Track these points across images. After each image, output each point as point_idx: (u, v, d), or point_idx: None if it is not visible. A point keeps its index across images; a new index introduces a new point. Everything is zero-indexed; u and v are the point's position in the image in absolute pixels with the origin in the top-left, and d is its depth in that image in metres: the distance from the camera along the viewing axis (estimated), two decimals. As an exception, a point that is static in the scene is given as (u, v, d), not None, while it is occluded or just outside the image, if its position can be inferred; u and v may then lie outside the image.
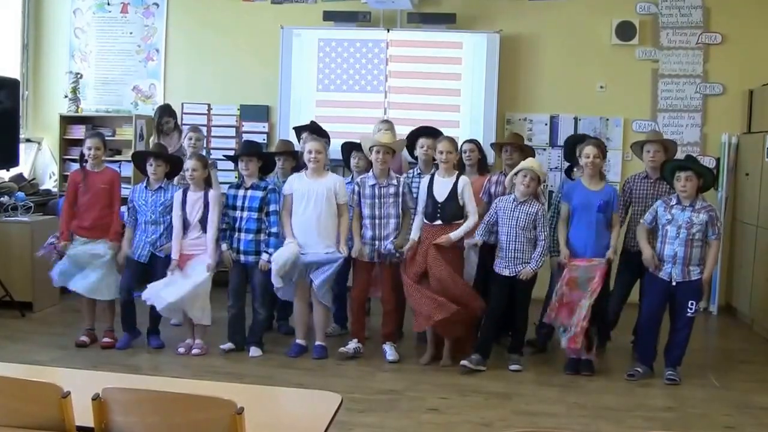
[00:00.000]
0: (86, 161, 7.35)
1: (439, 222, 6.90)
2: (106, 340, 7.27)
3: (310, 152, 7.05)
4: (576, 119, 9.73)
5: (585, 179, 6.85)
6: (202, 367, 6.69)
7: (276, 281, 6.96)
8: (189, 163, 7.12)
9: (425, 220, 6.98)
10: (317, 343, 7.15)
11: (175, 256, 7.04)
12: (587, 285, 6.62)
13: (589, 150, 6.75)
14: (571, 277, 6.67)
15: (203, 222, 7.07)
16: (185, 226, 7.08)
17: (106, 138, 9.86)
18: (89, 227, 7.27)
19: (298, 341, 7.22)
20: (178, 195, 7.14)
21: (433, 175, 7.05)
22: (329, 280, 7.02)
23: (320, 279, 6.94)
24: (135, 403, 3.01)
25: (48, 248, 7.36)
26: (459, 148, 7.43)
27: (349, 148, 7.83)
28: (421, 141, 7.48)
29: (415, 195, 7.20)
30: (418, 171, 7.43)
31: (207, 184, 7.18)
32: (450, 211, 6.90)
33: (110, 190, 7.34)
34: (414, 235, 7.01)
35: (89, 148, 7.31)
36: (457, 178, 6.96)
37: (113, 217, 7.33)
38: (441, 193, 6.91)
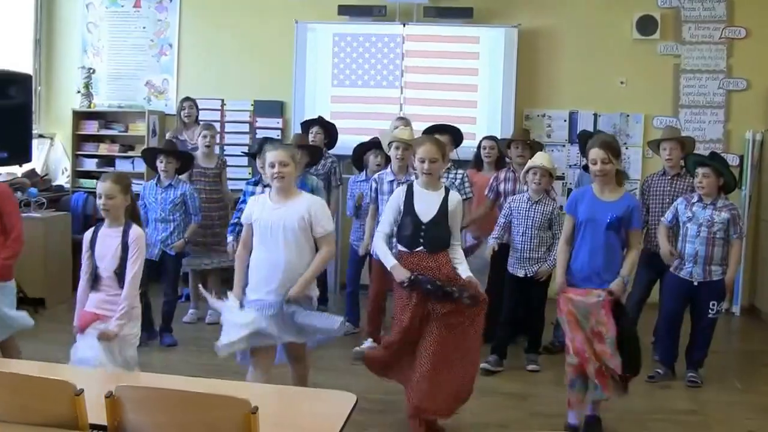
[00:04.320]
0: None
1: (421, 249, 5.32)
2: None
3: (272, 165, 5.13)
4: (596, 115, 9.64)
5: (596, 186, 5.51)
6: (217, 365, 6.60)
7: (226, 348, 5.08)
8: (101, 187, 5.12)
9: (401, 247, 5.41)
10: None
11: (75, 321, 5.16)
12: (587, 323, 5.31)
13: (595, 154, 5.37)
14: (569, 311, 5.38)
15: (122, 273, 5.04)
16: (96, 277, 5.09)
17: (120, 134, 9.95)
18: None
19: None
20: (87, 234, 5.20)
21: (410, 187, 5.49)
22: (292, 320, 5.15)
23: (314, 342, 5.31)
24: (148, 402, 3.00)
25: None
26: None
27: (362, 149, 7.77)
28: None
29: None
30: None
31: (130, 216, 5.25)
32: (437, 235, 5.35)
33: None
34: (392, 260, 5.41)
35: None
36: (447, 193, 5.44)
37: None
38: (426, 212, 5.36)
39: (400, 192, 5.48)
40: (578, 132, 8.57)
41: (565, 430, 5.47)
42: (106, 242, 5.09)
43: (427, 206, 5.35)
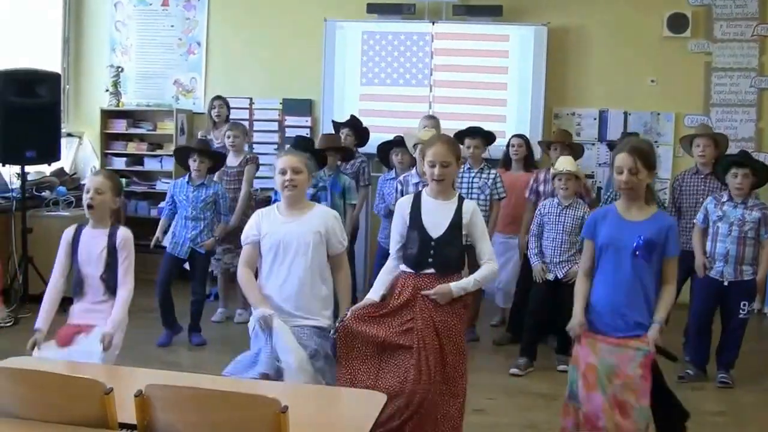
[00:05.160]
0: None
1: (430, 270, 4.54)
2: None
3: (283, 173, 4.57)
4: (626, 114, 9.54)
5: (621, 203, 4.42)
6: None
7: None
8: (90, 181, 4.79)
9: (407, 268, 4.62)
10: None
11: (40, 325, 4.59)
12: (612, 380, 4.21)
13: (621, 161, 4.28)
14: (588, 365, 4.31)
15: (108, 278, 4.67)
16: (79, 282, 4.70)
17: (148, 132, 9.98)
18: None
19: None
20: (68, 233, 4.79)
21: (418, 196, 4.73)
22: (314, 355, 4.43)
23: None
24: (178, 401, 2.97)
25: None
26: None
27: (385, 147, 7.73)
28: (467, 142, 7.25)
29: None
30: (468, 166, 7.20)
31: (117, 220, 4.88)
32: (450, 252, 4.57)
33: None
34: (374, 293, 4.67)
35: None
36: (460, 202, 4.64)
37: None
38: (436, 224, 4.57)
39: (404, 203, 4.72)
40: (607, 142, 8.57)
41: None
42: (90, 244, 4.68)
43: (437, 218, 4.58)
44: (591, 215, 4.73)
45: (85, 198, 4.69)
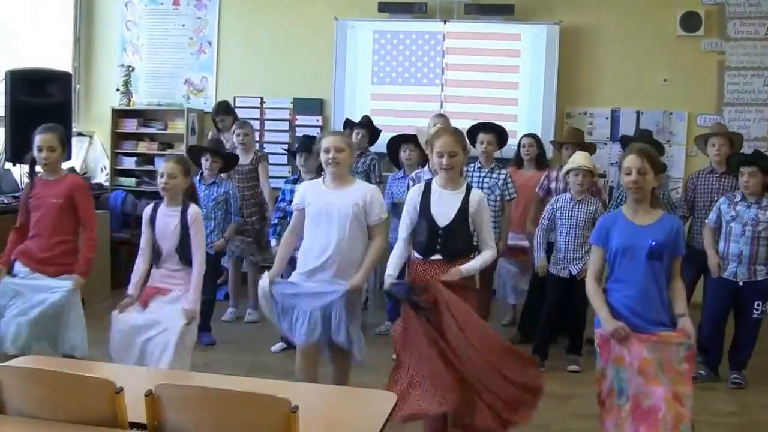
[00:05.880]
0: (36, 169, 5.72)
1: (438, 257, 4.80)
2: None
3: (327, 151, 5.03)
4: (638, 113, 9.52)
5: (628, 207, 4.50)
6: (256, 364, 6.62)
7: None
8: (163, 167, 5.34)
9: (417, 255, 4.92)
10: None
11: (131, 291, 5.37)
12: (665, 371, 4.21)
13: (630, 162, 4.36)
14: (645, 360, 4.22)
15: (182, 251, 5.30)
16: (158, 253, 5.35)
17: (159, 132, 9.93)
18: (40, 260, 5.55)
19: None
20: (147, 211, 5.45)
21: (428, 185, 4.96)
22: (342, 318, 5.00)
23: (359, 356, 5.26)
24: (188, 400, 2.98)
25: None
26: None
27: (396, 142, 7.71)
28: (481, 136, 7.24)
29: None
30: (479, 165, 7.18)
31: (189, 196, 5.46)
32: (457, 240, 4.82)
33: (66, 207, 5.56)
34: (392, 269, 4.92)
35: (39, 149, 5.55)
36: (468, 192, 4.88)
37: (80, 244, 5.70)
38: (444, 214, 4.81)
39: (416, 191, 4.96)
40: (620, 136, 8.53)
41: None
42: (165, 221, 5.34)
43: (444, 208, 4.81)
44: (600, 221, 4.76)
45: (160, 182, 5.33)
